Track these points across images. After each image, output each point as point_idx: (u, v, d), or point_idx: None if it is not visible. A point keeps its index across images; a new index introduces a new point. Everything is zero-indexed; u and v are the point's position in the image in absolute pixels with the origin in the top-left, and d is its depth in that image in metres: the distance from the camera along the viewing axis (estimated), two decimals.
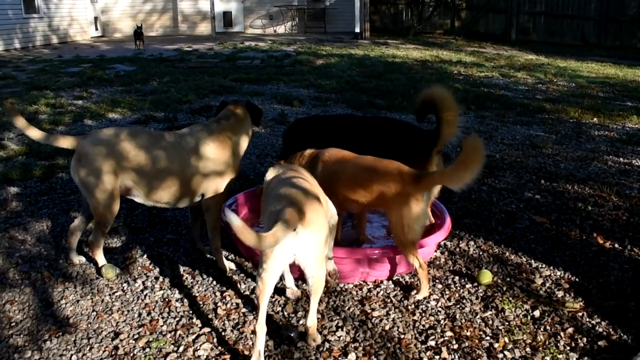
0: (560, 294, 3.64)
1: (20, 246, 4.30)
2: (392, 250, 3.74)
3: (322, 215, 3.00)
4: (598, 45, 20.72)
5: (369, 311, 3.44)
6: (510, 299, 3.57)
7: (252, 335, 3.18)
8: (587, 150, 6.89)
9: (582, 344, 3.14)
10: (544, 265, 4.01)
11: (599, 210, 4.99)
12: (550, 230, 4.59)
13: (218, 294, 3.64)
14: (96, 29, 25.90)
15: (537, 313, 3.42)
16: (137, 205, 4.70)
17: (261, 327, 2.89)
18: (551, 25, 22.44)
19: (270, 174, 3.41)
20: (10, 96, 10.04)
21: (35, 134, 3.76)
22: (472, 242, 4.36)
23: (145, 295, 3.62)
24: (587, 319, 3.37)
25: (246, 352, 3.05)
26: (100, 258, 3.88)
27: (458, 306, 3.50)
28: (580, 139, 7.47)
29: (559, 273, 3.90)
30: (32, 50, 19.49)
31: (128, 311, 3.45)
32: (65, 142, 3.77)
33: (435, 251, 4.17)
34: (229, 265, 3.94)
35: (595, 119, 8.64)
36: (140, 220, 4.75)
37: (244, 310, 3.42)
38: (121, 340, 3.16)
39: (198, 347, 3.10)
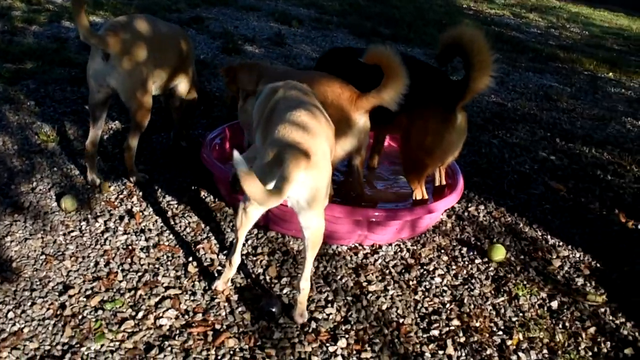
0: (580, 281, 3.20)
1: None
2: (398, 213, 3.24)
3: (328, 156, 2.54)
4: None
5: (364, 284, 2.97)
6: (525, 282, 3.11)
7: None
8: (604, 109, 6.35)
9: (605, 350, 2.72)
10: (561, 243, 3.55)
11: (619, 181, 4.51)
12: (567, 199, 4.11)
13: (191, 245, 3.13)
14: None
15: (555, 304, 2.98)
16: (110, 127, 4.12)
17: (237, 259, 2.77)
18: None
19: (279, 92, 2.80)
20: None
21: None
22: (482, 207, 3.87)
23: (106, 240, 3.08)
24: (611, 317, 2.94)
25: (217, 326, 2.58)
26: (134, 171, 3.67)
27: (466, 287, 3.04)
28: (596, 94, 6.91)
29: (578, 255, 3.45)
30: None
31: (83, 258, 2.93)
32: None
33: (442, 214, 3.67)
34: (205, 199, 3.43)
35: (611, 74, 8.06)
36: (110, 143, 4.16)
37: (219, 268, 2.93)
38: (70, 297, 2.65)
39: (160, 314, 2.61)
